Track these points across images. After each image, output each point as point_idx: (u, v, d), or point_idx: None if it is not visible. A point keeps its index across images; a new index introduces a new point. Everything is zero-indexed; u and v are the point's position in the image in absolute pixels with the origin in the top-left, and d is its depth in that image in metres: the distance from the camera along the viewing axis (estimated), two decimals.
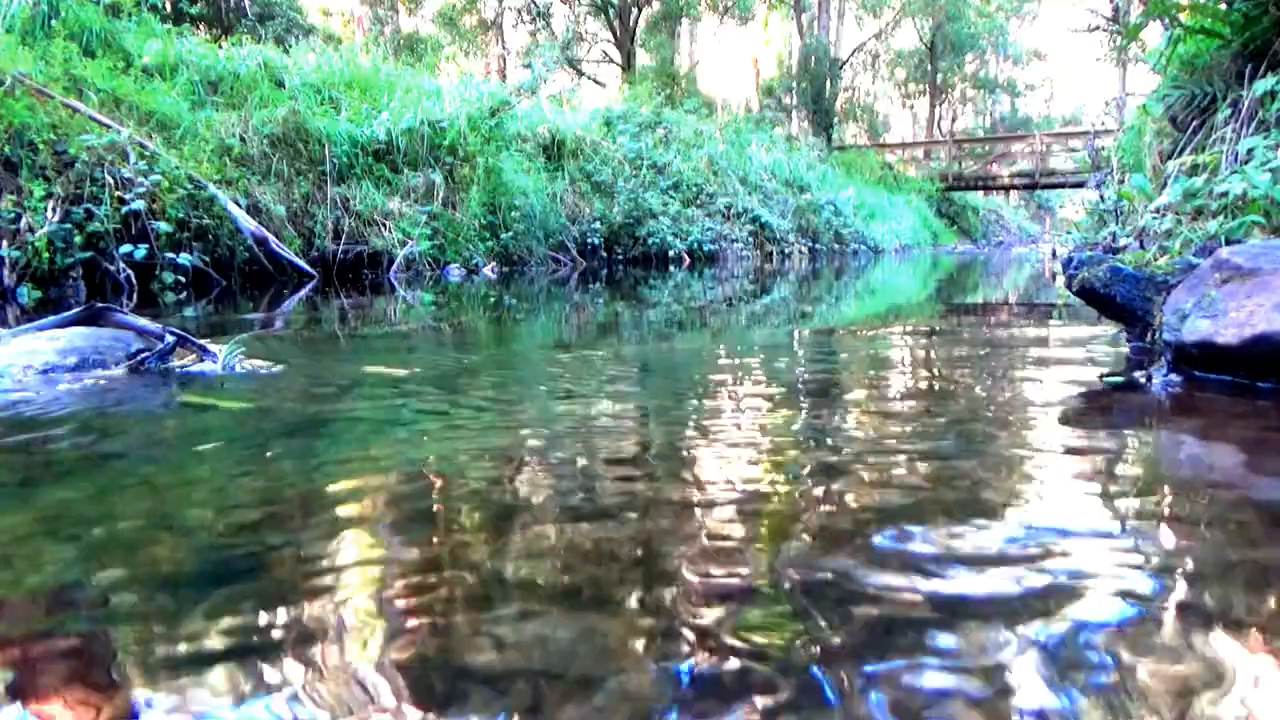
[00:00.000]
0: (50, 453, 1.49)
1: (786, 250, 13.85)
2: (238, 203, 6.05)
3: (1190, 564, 0.96)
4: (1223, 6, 3.82)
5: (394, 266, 7.07)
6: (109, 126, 5.48)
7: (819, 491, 1.24)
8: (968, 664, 0.74)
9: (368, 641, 0.80)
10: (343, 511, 1.18)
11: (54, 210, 4.92)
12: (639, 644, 0.79)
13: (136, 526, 1.12)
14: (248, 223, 5.96)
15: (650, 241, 10.68)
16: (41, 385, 2.06)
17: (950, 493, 1.22)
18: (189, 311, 4.34)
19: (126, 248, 5.07)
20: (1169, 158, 3.97)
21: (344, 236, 6.97)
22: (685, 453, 1.49)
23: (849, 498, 1.21)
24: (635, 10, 22.15)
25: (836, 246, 15.82)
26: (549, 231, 9.25)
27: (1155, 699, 0.69)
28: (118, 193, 5.23)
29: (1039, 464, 1.38)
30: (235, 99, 7.25)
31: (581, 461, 1.42)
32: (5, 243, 4.72)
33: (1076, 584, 0.90)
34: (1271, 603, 0.86)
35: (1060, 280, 3.84)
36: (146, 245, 5.16)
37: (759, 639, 0.80)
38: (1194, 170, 3.42)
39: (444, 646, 0.79)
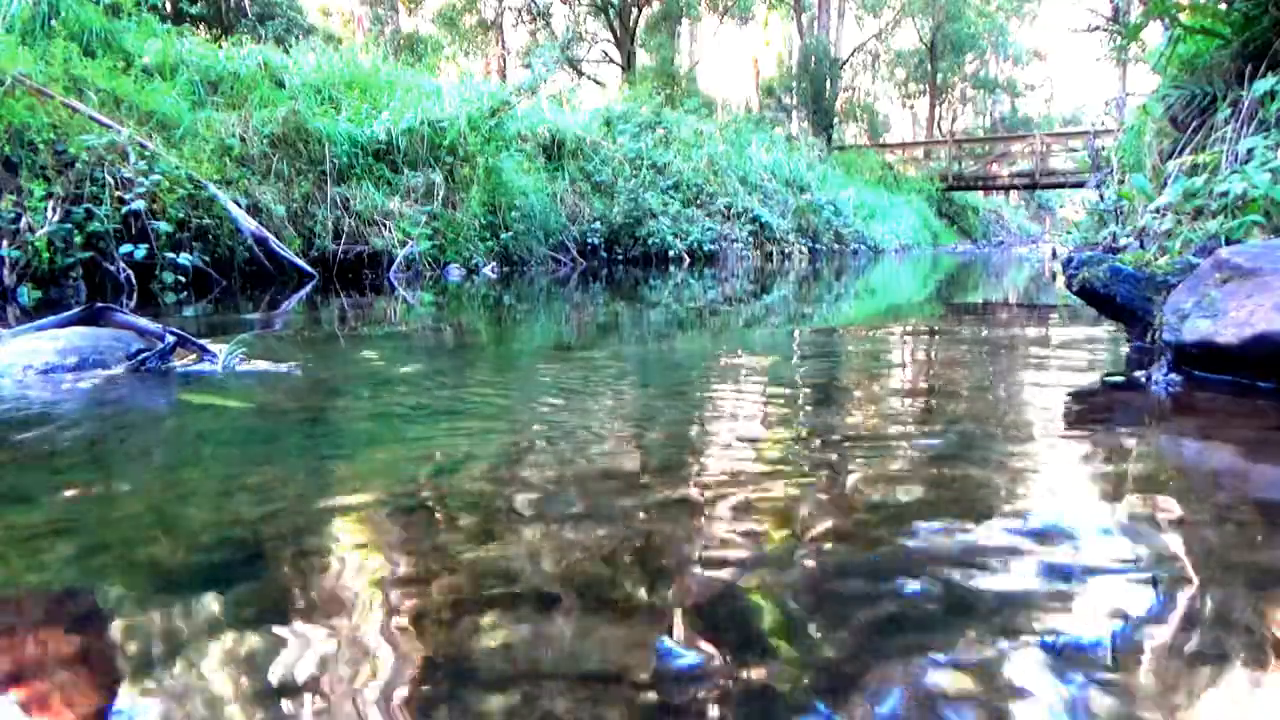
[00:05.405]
0: (50, 453, 1.49)
1: (786, 250, 13.84)
2: (238, 203, 6.04)
3: (1190, 564, 0.96)
4: (1223, 6, 3.82)
5: (394, 266, 7.07)
6: (109, 126, 5.48)
7: (819, 491, 1.24)
8: (969, 663, 0.75)
9: (368, 641, 0.80)
10: (343, 511, 1.18)
11: (54, 210, 4.92)
12: (640, 644, 0.79)
13: (136, 526, 1.12)
14: (248, 223, 5.96)
15: (650, 241, 10.68)
16: (42, 385, 2.06)
17: (950, 492, 1.22)
18: (189, 311, 4.34)
19: (126, 248, 5.07)
20: (1169, 158, 3.97)
21: (344, 236, 6.97)
22: (686, 453, 1.49)
23: (849, 498, 1.21)
24: (635, 10, 22.14)
25: (836, 246, 15.81)
26: (549, 231, 9.25)
27: (1156, 699, 0.69)
28: (118, 193, 5.23)
29: (1039, 464, 1.39)
30: (235, 99, 7.24)
31: (583, 461, 1.42)
32: (5, 243, 4.72)
33: (1076, 584, 0.90)
34: (1272, 603, 0.86)
35: (1060, 280, 3.84)
36: (146, 245, 5.16)
37: (760, 638, 0.80)
38: (1194, 170, 3.42)
39: (445, 646, 0.79)
